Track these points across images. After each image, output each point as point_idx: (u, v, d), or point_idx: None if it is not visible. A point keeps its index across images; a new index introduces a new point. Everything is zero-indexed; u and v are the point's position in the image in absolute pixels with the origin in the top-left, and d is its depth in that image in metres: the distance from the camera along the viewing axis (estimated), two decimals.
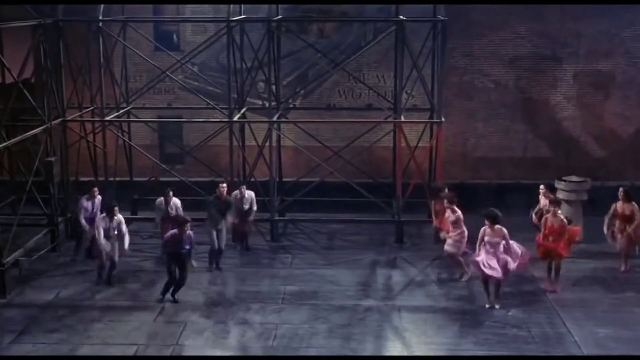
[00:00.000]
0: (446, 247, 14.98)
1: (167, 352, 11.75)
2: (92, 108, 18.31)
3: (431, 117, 17.75)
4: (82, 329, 12.63)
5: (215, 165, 18.54)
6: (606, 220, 15.48)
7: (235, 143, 17.21)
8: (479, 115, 19.65)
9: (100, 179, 17.96)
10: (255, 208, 16.45)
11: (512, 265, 13.26)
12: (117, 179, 18.07)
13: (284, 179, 19.04)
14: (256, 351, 11.90)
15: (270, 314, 13.20)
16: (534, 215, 16.20)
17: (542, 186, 16.27)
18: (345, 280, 14.94)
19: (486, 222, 13.31)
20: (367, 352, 11.72)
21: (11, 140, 15.53)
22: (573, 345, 12.12)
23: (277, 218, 17.57)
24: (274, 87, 17.94)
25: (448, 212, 15.00)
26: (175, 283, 13.82)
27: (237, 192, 16.35)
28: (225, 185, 15.82)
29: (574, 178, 17.29)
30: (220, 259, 15.58)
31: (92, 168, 18.25)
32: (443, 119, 16.88)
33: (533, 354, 11.68)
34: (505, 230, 13.24)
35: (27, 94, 15.68)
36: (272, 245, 17.13)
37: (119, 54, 18.61)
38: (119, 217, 14.72)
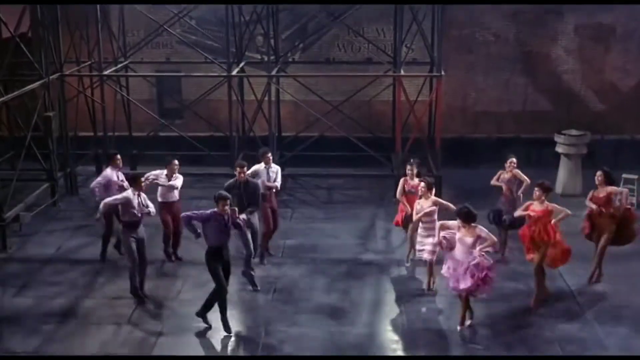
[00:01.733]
0: (424, 254, 12.25)
1: (168, 306, 11.84)
2: (89, 63, 18.24)
3: (431, 71, 17.68)
4: (84, 283, 12.71)
5: (214, 120, 18.49)
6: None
7: (234, 98, 17.14)
8: (479, 68, 19.52)
9: (99, 134, 17.96)
10: (278, 184, 13.52)
11: (464, 284, 10.71)
12: (116, 133, 18.03)
13: (283, 134, 19.01)
14: (257, 304, 11.99)
15: (270, 268, 13.27)
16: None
17: (513, 159, 13.69)
18: (345, 234, 15.01)
19: (459, 222, 10.80)
20: (366, 306, 11.80)
21: (9, 95, 15.45)
22: (570, 297, 12.22)
23: None
24: (272, 40, 17.82)
25: (422, 201, 12.37)
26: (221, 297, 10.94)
27: (258, 166, 13.24)
28: (244, 165, 12.60)
29: (574, 132, 17.26)
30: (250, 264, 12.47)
31: (90, 123, 18.24)
32: (443, 73, 16.77)
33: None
34: (484, 230, 10.84)
35: (24, 48, 15.57)
36: None
37: (116, 7, 18.45)
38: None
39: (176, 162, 13.22)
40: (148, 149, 18.63)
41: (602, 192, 12.49)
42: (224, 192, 10.93)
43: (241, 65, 17.87)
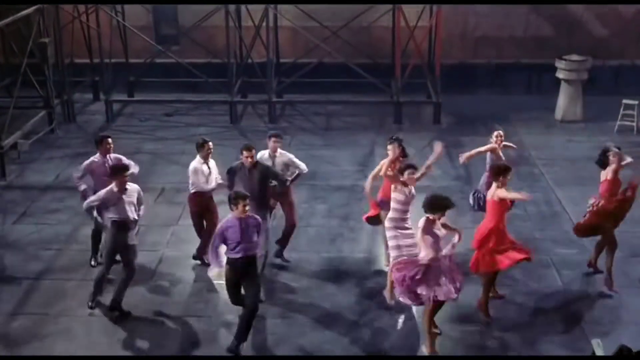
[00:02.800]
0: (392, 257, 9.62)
1: (167, 233, 11.91)
2: None
3: None
4: (83, 210, 12.71)
5: (212, 46, 18.28)
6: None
7: (231, 24, 16.91)
8: None
9: (96, 60, 17.80)
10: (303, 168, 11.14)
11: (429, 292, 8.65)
12: (113, 60, 17.85)
13: (282, 60, 18.79)
14: None
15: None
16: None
17: (500, 132, 11.22)
18: (344, 161, 15.01)
19: (429, 215, 8.61)
20: (365, 231, 11.85)
21: (3, 21, 15.22)
22: (568, 223, 12.28)
23: (274, 100, 17.47)
24: None
25: (400, 188, 9.68)
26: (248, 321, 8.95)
27: (262, 153, 10.88)
28: (251, 148, 10.27)
29: (575, 57, 17.08)
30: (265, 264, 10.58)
31: (86, 49, 18.07)
32: None
33: (529, 232, 11.83)
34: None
35: None
36: (270, 127, 17.07)
37: None
38: (133, 186, 9.81)
39: (210, 144, 10.76)
40: (145, 76, 18.52)
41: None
42: (241, 191, 8.96)
43: None
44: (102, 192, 9.60)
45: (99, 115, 17.70)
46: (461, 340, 9.25)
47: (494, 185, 9.22)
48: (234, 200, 8.69)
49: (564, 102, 17.24)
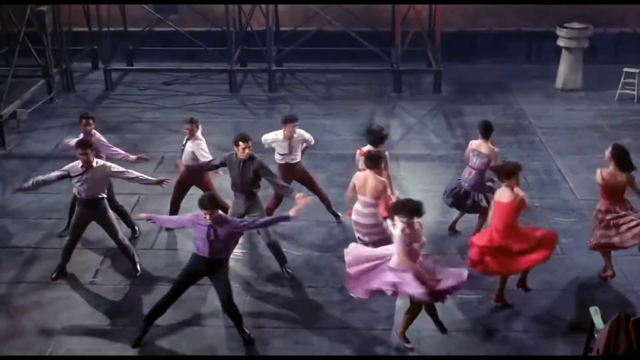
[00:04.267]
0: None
1: (167, 202, 11.89)
2: None
3: None
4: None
5: (210, 14, 18.17)
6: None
7: None
8: None
9: (94, 29, 17.70)
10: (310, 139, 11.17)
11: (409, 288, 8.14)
12: (111, 29, 17.76)
13: (281, 29, 18.68)
14: None
15: (269, 163, 13.27)
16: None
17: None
18: (344, 129, 14.99)
19: (401, 218, 8.14)
20: None
21: None
22: (567, 191, 12.32)
23: (274, 68, 17.40)
24: None
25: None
26: None
27: (274, 136, 10.79)
28: (247, 139, 9.55)
29: (576, 25, 16.98)
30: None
31: (84, 18, 17.98)
32: None
33: (528, 201, 11.84)
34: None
35: None
36: (270, 96, 17.08)
37: None
38: (108, 164, 9.63)
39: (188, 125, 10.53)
40: (144, 44, 18.45)
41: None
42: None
43: None
44: (68, 165, 9.55)
45: (97, 84, 17.65)
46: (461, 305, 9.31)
47: (507, 186, 8.94)
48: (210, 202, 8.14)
49: (564, 70, 17.17)
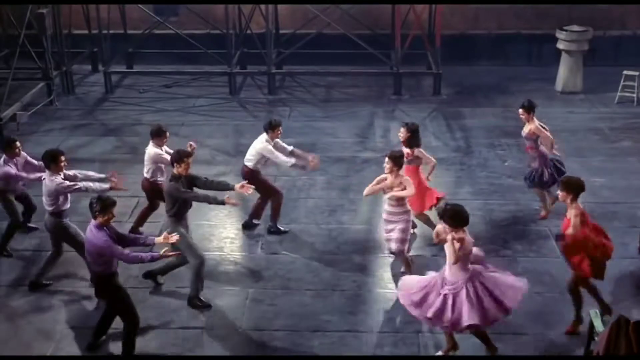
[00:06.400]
0: (392, 244, 9.69)
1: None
2: None
3: None
4: None
5: (211, 17, 18.17)
6: None
7: None
8: None
9: (94, 31, 17.71)
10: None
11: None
12: (111, 31, 17.77)
13: (281, 31, 18.70)
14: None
15: (269, 166, 13.28)
16: None
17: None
18: (343, 132, 14.99)
19: (449, 225, 7.81)
20: (365, 203, 11.86)
21: None
22: None
23: (274, 71, 17.41)
24: None
25: (391, 177, 9.66)
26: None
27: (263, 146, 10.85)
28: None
29: (575, 27, 16.97)
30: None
31: (84, 20, 18.00)
32: None
33: (528, 203, 11.86)
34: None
35: None
36: (269, 99, 17.09)
37: None
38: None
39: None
40: (144, 47, 18.46)
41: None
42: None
43: None
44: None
45: (97, 86, 17.67)
46: None
47: (573, 203, 8.49)
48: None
49: (564, 73, 17.17)
